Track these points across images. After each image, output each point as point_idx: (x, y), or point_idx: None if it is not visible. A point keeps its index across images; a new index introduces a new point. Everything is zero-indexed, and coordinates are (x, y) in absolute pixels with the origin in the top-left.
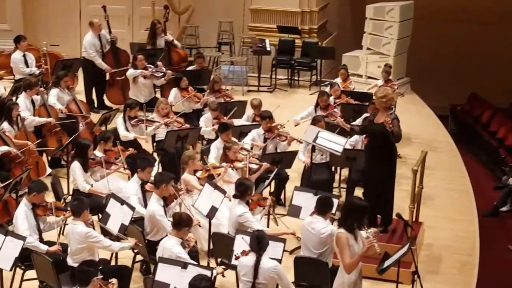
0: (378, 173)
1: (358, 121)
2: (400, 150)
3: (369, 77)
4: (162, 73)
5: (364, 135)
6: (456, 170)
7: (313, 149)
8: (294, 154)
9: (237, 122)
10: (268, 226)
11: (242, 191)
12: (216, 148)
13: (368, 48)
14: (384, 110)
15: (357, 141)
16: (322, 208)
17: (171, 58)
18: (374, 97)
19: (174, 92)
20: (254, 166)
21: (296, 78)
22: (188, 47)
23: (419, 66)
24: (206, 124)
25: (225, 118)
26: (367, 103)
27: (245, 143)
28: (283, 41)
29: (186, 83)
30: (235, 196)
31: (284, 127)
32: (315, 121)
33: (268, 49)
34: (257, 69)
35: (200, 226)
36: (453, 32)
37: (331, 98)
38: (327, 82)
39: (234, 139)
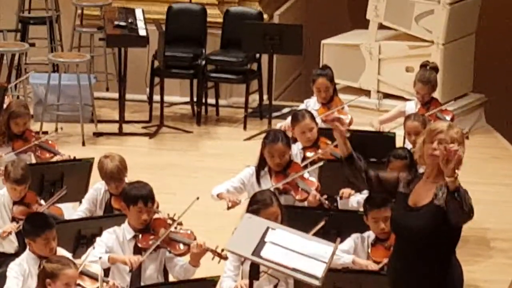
0: None
1: (359, 200)
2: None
3: (387, 95)
4: None
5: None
6: None
7: (254, 272)
8: None
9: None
10: None
11: None
12: None
13: (381, 26)
14: (439, 171)
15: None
16: None
17: None
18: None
19: None
20: None
21: (213, 101)
22: None
23: (508, 65)
24: None
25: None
26: (385, 159)
27: None
28: (178, 12)
29: None
30: None
31: (180, 224)
32: (257, 205)
33: (143, 32)
34: (117, 81)
35: None
36: None
37: (295, 148)
38: (285, 111)
39: None
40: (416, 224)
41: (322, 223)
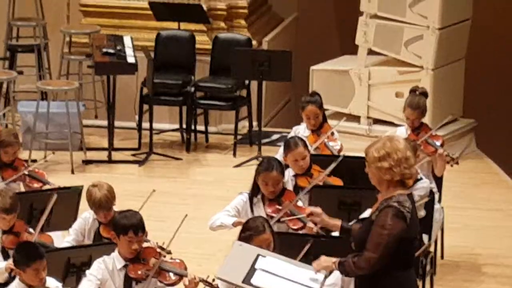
0: None
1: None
2: None
3: (377, 121)
4: None
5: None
6: None
7: None
8: None
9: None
10: None
11: None
12: None
13: (371, 52)
14: (388, 188)
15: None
16: None
17: None
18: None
19: None
20: None
21: (202, 128)
22: None
23: (498, 90)
24: None
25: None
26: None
27: None
28: (167, 39)
29: None
30: None
31: (169, 253)
32: (250, 231)
33: (131, 59)
34: (105, 108)
35: None
36: None
37: (286, 174)
38: (275, 137)
39: None
40: (353, 235)
41: (307, 247)
